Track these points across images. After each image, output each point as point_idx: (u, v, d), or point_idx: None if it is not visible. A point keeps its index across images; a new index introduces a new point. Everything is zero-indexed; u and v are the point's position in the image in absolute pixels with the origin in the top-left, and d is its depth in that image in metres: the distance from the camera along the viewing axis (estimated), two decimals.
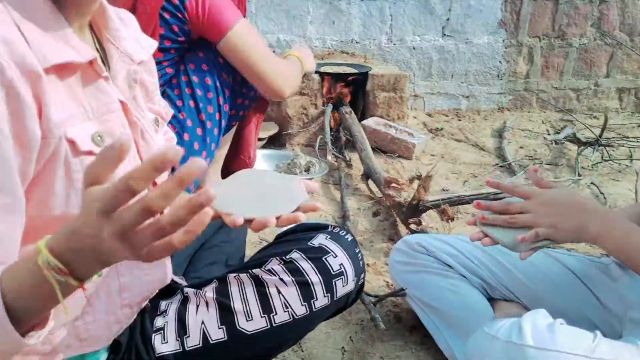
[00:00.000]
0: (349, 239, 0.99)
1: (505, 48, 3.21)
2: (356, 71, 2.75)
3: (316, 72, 2.61)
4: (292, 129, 2.67)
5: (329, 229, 1.01)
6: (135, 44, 0.87)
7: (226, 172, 1.92)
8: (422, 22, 3.09)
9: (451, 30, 3.14)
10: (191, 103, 1.61)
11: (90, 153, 0.72)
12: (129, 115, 0.80)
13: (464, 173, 2.45)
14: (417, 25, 3.09)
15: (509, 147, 2.73)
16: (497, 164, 2.53)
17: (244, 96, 1.71)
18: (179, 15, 1.54)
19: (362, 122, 2.63)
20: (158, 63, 1.59)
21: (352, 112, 2.66)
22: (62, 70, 0.69)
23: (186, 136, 1.62)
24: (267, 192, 0.83)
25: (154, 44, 0.94)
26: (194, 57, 1.62)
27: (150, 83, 0.95)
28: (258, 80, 1.63)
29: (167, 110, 1.01)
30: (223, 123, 1.70)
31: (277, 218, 0.76)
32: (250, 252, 1.67)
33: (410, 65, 3.15)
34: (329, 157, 2.34)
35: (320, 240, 0.98)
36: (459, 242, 1.32)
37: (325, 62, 2.86)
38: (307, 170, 2.20)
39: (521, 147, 2.78)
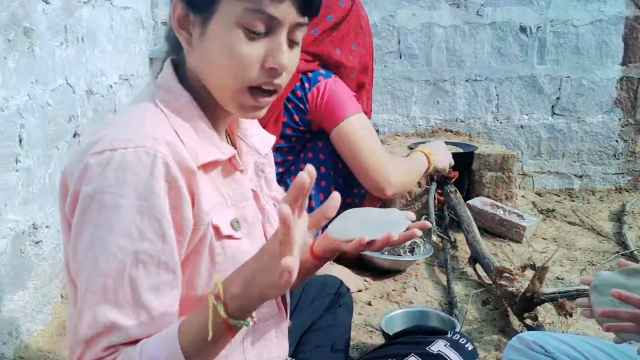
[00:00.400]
0: (470, 349, 0.97)
1: (622, 127, 3.04)
2: (461, 150, 2.73)
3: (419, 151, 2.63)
4: (395, 208, 2.67)
5: (449, 335, 0.99)
6: (259, 139, 0.98)
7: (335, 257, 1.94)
8: (530, 100, 3.04)
9: (562, 109, 3.05)
10: None
11: (230, 237, 0.81)
12: (259, 202, 0.90)
13: (581, 260, 2.28)
14: (524, 104, 3.04)
15: (631, 233, 2.52)
16: (618, 252, 2.34)
17: (360, 186, 1.74)
18: (301, 106, 1.63)
19: (468, 201, 2.58)
20: (279, 149, 1.69)
21: (457, 191, 2.62)
22: (208, 166, 0.80)
23: None
24: (376, 220, 0.95)
25: (272, 139, 1.03)
26: (313, 146, 1.70)
27: (270, 173, 1.03)
28: (360, 172, 1.62)
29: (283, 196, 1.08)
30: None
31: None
32: (355, 334, 1.66)
33: (518, 144, 3.08)
34: (434, 238, 2.29)
35: (439, 347, 0.96)
36: (581, 343, 1.22)
37: (429, 140, 2.88)
38: (412, 251, 2.17)
39: None
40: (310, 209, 1.69)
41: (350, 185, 1.78)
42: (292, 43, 0.80)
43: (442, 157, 1.85)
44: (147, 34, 2.52)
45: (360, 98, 1.76)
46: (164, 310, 0.72)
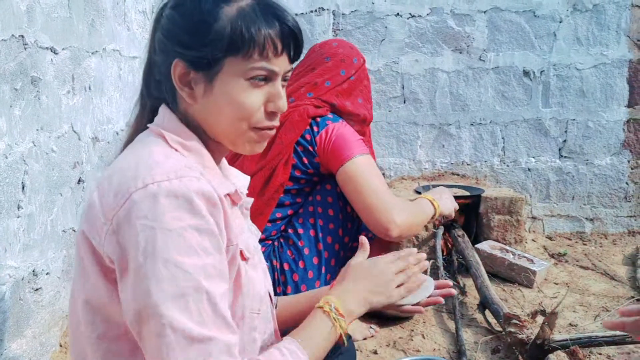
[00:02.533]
0: None
1: (632, 169, 3.01)
2: (468, 194, 2.71)
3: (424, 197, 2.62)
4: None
5: None
6: (241, 180, 1.05)
7: None
8: (537, 143, 3.03)
9: (569, 152, 3.03)
10: (311, 232, 1.67)
11: (247, 259, 0.90)
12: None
13: (594, 306, 2.21)
14: (531, 147, 3.04)
15: None
16: (633, 297, 2.27)
17: (369, 230, 1.73)
18: (310, 148, 1.67)
19: (476, 245, 2.53)
20: (288, 191, 1.71)
21: (465, 235, 2.58)
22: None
23: (301, 264, 1.67)
24: None
25: (248, 178, 1.09)
26: (322, 189, 1.72)
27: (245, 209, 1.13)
28: (364, 212, 1.62)
29: (257, 234, 1.11)
30: (342, 254, 1.72)
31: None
32: None
33: (526, 187, 3.05)
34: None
35: None
36: None
37: (435, 184, 2.86)
38: None
39: None
40: (318, 252, 1.68)
41: (358, 229, 1.78)
42: (282, 86, 0.93)
43: (447, 202, 1.85)
44: None
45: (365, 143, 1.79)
46: (229, 315, 0.79)
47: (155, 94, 0.93)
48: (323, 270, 1.70)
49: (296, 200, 1.75)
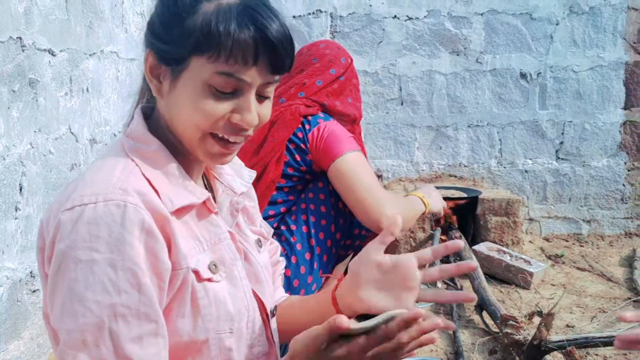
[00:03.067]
0: None
1: (628, 171, 3.02)
2: (465, 195, 2.72)
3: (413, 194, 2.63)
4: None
5: None
6: (236, 177, 0.99)
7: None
8: (534, 145, 3.04)
9: (566, 154, 3.04)
10: (304, 228, 1.68)
11: (209, 280, 0.81)
12: (236, 242, 0.89)
13: (591, 307, 2.22)
14: (528, 149, 3.05)
15: None
16: (630, 298, 2.28)
17: (361, 227, 1.73)
18: (302, 146, 1.69)
19: (474, 247, 2.54)
20: (280, 188, 1.72)
21: (462, 236, 2.59)
22: (182, 211, 0.81)
23: (294, 259, 1.68)
24: None
25: (253, 174, 1.04)
26: (314, 186, 1.73)
27: (251, 207, 1.04)
28: (356, 207, 1.62)
29: (268, 230, 1.08)
30: (334, 251, 1.73)
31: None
32: None
33: (523, 189, 3.06)
34: (439, 285, 2.25)
35: None
36: None
37: (435, 185, 2.87)
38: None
39: None
40: (310, 248, 1.69)
41: (351, 225, 1.79)
42: (262, 98, 0.83)
43: (436, 200, 1.86)
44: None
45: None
46: (141, 357, 0.72)
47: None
48: (315, 266, 1.71)
49: (289, 197, 1.76)
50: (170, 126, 0.83)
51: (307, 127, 1.71)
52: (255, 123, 0.81)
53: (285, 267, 1.64)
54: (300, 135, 1.70)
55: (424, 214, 1.80)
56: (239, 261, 0.88)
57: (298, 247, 1.70)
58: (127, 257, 0.71)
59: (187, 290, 0.78)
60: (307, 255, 1.71)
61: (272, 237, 1.78)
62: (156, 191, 0.78)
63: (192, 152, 0.83)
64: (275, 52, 0.78)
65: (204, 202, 0.84)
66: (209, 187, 0.95)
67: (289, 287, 1.68)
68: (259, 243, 1.00)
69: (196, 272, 0.79)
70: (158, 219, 0.75)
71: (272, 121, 1.70)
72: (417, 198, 1.80)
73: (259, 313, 0.91)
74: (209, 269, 0.82)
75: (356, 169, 1.62)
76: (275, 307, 0.99)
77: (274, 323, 0.97)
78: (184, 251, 0.78)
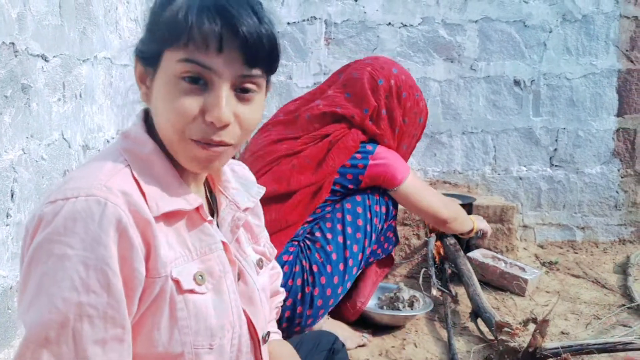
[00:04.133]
0: None
1: (622, 178, 3.04)
2: (460, 202, 2.71)
3: None
4: (394, 259, 2.63)
5: None
6: (243, 192, 0.95)
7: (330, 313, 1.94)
8: (528, 152, 3.05)
9: (560, 160, 3.06)
10: (340, 239, 1.75)
11: (191, 292, 0.78)
12: (229, 254, 0.86)
13: (586, 314, 2.22)
14: (522, 156, 3.06)
15: (636, 285, 2.46)
16: (624, 305, 2.28)
17: (380, 246, 1.88)
18: (359, 166, 1.80)
19: (468, 254, 2.54)
20: (324, 201, 1.81)
21: (457, 243, 2.58)
22: (171, 217, 0.78)
23: (329, 268, 1.74)
24: None
25: (262, 190, 1.00)
26: (352, 199, 1.81)
27: (256, 226, 1.01)
28: (425, 218, 2.05)
29: (272, 251, 1.04)
30: (362, 265, 1.80)
31: None
32: None
33: (518, 196, 3.07)
34: (434, 292, 2.24)
35: None
36: None
37: None
38: (411, 305, 2.11)
39: None
40: (344, 259, 1.77)
41: (380, 241, 1.92)
42: (243, 95, 0.77)
43: (484, 223, 2.26)
44: None
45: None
46: None
47: None
48: (346, 278, 1.78)
49: (326, 208, 1.83)
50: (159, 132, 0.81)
51: (368, 148, 1.82)
52: (228, 120, 0.75)
53: (321, 275, 1.71)
54: (359, 157, 1.80)
55: (471, 230, 2.16)
56: (229, 274, 0.84)
57: (333, 256, 1.76)
58: (100, 258, 0.69)
59: (164, 300, 0.75)
60: (341, 266, 1.77)
61: (306, 241, 1.82)
62: (143, 193, 0.75)
63: (177, 159, 0.80)
64: (244, 41, 0.73)
65: (197, 210, 0.81)
66: (212, 199, 0.92)
67: (322, 294, 1.76)
68: (259, 263, 0.97)
69: (177, 282, 0.76)
70: (140, 223, 0.72)
71: (331, 140, 1.76)
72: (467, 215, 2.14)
73: (248, 333, 0.87)
74: (195, 279, 0.78)
75: (416, 190, 1.87)
76: (269, 333, 0.95)
77: (265, 350, 0.92)
78: (164, 259, 0.74)
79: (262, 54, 0.75)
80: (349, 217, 1.77)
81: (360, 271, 1.89)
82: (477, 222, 2.18)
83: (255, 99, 0.79)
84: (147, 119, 0.84)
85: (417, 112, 1.91)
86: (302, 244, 1.79)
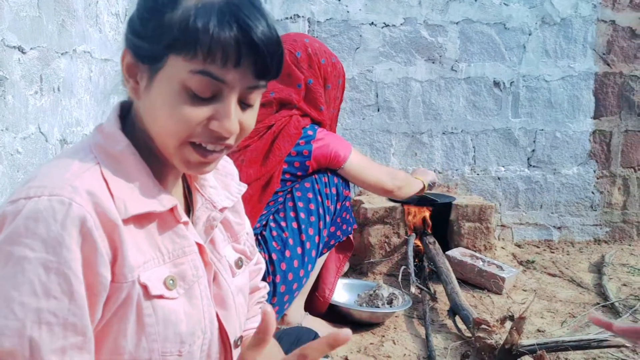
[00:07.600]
0: None
1: (597, 179, 3.10)
2: (438, 201, 2.74)
3: (398, 201, 2.64)
4: (374, 258, 2.65)
5: None
6: (221, 191, 0.92)
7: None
8: (507, 153, 3.09)
9: (537, 161, 3.10)
10: (294, 224, 1.82)
11: (160, 297, 0.74)
12: (204, 257, 0.83)
13: (561, 312, 2.26)
14: (500, 156, 3.09)
15: (611, 284, 2.51)
16: (598, 303, 2.33)
17: (339, 227, 1.92)
18: (305, 152, 1.83)
19: (447, 252, 2.56)
20: (275, 193, 1.85)
21: (436, 242, 2.61)
22: (142, 219, 0.74)
23: (287, 253, 1.80)
24: None
25: (242, 188, 0.97)
26: (301, 185, 1.86)
27: (236, 224, 0.97)
28: (377, 188, 2.00)
29: (252, 250, 1.01)
30: (320, 247, 1.85)
31: None
32: None
33: (496, 195, 3.11)
34: (413, 289, 2.26)
35: None
36: None
37: None
38: (390, 302, 2.13)
39: (624, 285, 2.55)
40: (301, 242, 1.77)
41: (337, 222, 1.96)
42: (245, 105, 0.76)
43: (430, 177, 2.28)
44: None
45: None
46: None
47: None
48: (306, 260, 1.84)
49: (278, 199, 1.86)
50: (147, 128, 0.77)
51: (310, 132, 1.86)
52: (236, 131, 0.74)
53: (281, 261, 1.76)
54: (302, 143, 1.84)
55: (423, 188, 2.19)
56: (203, 278, 0.81)
57: (290, 242, 1.83)
58: (62, 261, 0.65)
59: (131, 305, 0.72)
60: (299, 250, 1.83)
61: (262, 233, 1.83)
62: (112, 194, 0.71)
63: (168, 159, 0.77)
64: (260, 55, 0.71)
65: (171, 211, 0.78)
66: (189, 198, 0.88)
67: (284, 279, 1.80)
68: (238, 263, 0.93)
69: (144, 287, 0.72)
70: (106, 225, 0.69)
71: (274, 131, 1.80)
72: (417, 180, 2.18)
73: (219, 338, 0.84)
74: (165, 284, 0.75)
75: (360, 166, 1.94)
76: (241, 337, 0.91)
77: (236, 354, 0.88)
78: (132, 263, 0.71)
79: (273, 66, 0.74)
80: (300, 204, 1.83)
81: (320, 256, 1.92)
82: (424, 178, 2.23)
83: (256, 103, 0.79)
84: (123, 113, 0.81)
85: (336, 75, 1.97)
86: (259, 237, 1.81)
